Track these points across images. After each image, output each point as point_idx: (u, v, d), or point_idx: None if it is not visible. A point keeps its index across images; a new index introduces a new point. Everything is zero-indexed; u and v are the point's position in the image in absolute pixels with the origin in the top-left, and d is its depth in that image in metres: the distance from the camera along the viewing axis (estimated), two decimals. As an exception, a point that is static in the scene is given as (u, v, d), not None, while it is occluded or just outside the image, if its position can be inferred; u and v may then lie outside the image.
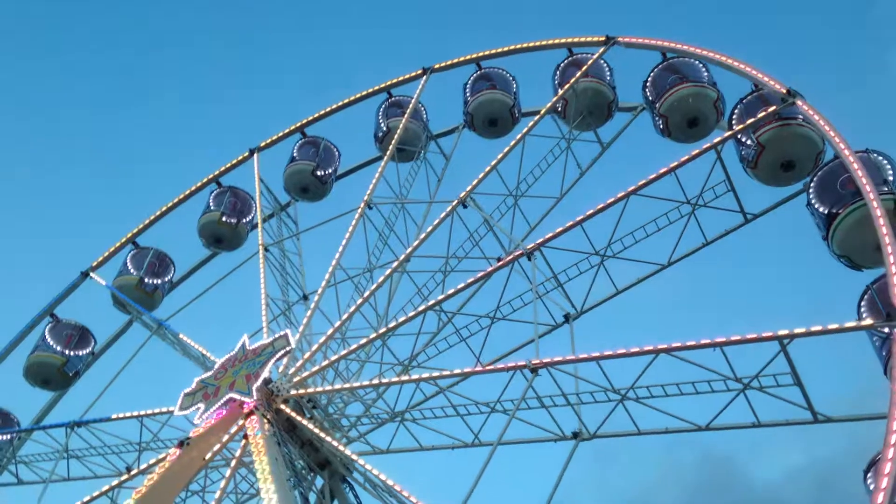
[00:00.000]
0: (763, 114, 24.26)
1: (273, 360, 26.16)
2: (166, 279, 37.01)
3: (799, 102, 23.31)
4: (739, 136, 24.99)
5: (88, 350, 36.34)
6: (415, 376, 25.97)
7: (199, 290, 36.65)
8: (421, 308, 26.18)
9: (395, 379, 26.54)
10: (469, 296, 26.68)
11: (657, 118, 27.71)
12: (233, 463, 24.67)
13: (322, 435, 25.64)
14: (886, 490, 15.02)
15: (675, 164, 24.78)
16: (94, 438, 30.93)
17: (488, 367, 24.64)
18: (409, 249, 28.49)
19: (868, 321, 18.57)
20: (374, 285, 28.01)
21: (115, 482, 27.10)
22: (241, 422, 24.89)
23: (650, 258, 26.19)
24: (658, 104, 27.37)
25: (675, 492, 60.22)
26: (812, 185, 22.91)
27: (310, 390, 26.94)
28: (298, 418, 25.97)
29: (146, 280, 35.94)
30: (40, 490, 31.23)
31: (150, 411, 28.89)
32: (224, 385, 26.14)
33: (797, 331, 19.03)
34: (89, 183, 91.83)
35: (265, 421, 24.84)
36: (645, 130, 29.18)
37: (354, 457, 24.92)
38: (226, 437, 24.77)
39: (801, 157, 23.91)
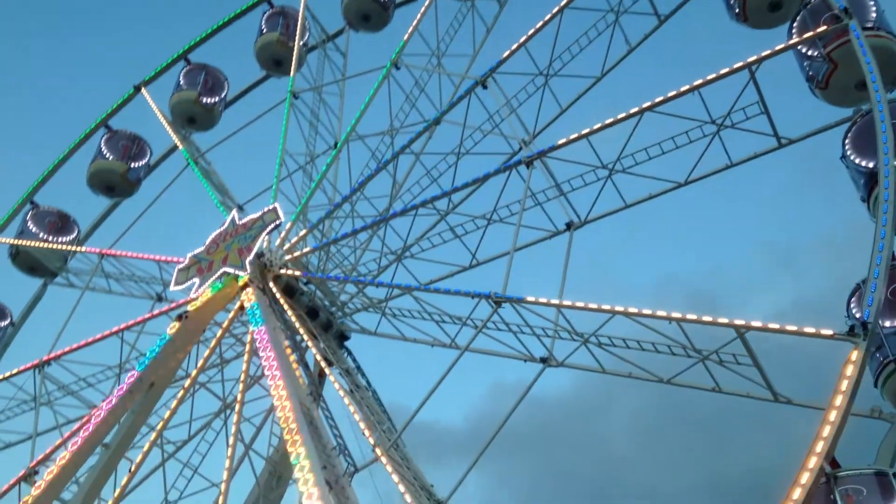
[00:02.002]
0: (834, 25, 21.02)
1: (264, 234, 26.46)
2: (222, 96, 37.19)
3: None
4: (804, 49, 21.91)
5: (145, 161, 36.77)
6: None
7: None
8: (414, 204, 25.75)
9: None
10: (465, 196, 25.78)
11: None
12: (218, 332, 26.19)
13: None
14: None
15: (700, 82, 22.49)
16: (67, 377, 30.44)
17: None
18: (414, 137, 27.42)
19: None
20: (372, 173, 27.49)
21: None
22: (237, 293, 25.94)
23: (666, 175, 24.24)
24: None
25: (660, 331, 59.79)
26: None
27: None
28: (297, 273, 26.86)
29: (203, 99, 35.50)
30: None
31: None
32: (217, 260, 26.68)
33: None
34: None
35: (261, 292, 25.95)
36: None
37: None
38: (223, 310, 26.29)
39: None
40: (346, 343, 28.54)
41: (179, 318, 25.33)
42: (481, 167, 27.85)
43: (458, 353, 23.13)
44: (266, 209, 27.44)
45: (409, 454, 25.46)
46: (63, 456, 22.09)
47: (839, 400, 15.60)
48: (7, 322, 35.56)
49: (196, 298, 25.91)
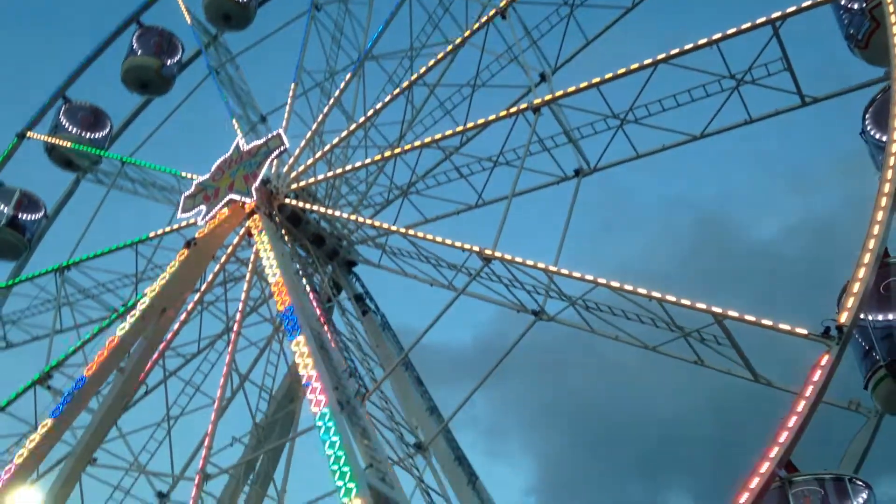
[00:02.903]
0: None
1: (269, 160, 26.31)
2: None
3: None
4: (845, 3, 20.51)
5: (178, 58, 36.36)
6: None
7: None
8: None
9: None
10: (471, 137, 25.24)
11: None
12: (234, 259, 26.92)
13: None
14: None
15: (718, 36, 20.99)
16: (87, 281, 31.01)
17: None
18: (425, 70, 26.55)
19: None
20: (385, 101, 26.90)
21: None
22: (244, 220, 26.16)
23: (681, 127, 23.36)
24: None
25: (669, 254, 59.41)
26: None
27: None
28: (303, 204, 26.96)
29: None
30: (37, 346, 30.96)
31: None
32: (223, 186, 26.65)
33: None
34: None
35: (268, 219, 26.16)
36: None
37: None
38: (231, 240, 26.86)
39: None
40: (354, 269, 29.00)
41: (188, 245, 25.83)
42: (498, 100, 27.17)
43: (454, 295, 23.41)
44: (270, 135, 27.13)
45: (413, 379, 26.50)
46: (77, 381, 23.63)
47: (801, 406, 15.29)
48: (41, 214, 36.32)
49: (203, 226, 26.25)
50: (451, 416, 23.40)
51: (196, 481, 21.83)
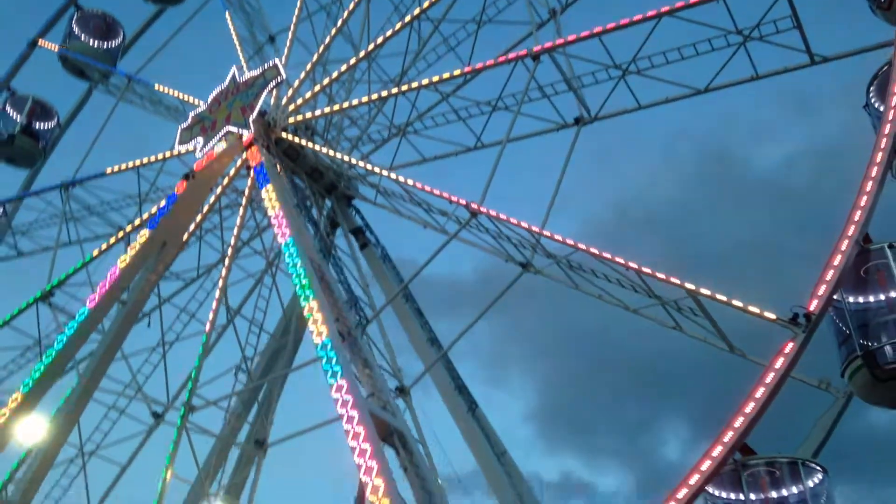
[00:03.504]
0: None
1: (266, 91, 25.84)
2: None
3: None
4: None
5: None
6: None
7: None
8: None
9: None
10: (467, 80, 24.63)
11: None
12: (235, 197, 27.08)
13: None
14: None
15: (727, -10, 19.94)
16: (92, 198, 31.33)
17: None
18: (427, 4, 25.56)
19: None
20: (388, 35, 26.11)
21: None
22: (242, 152, 25.83)
23: (685, 80, 22.68)
24: None
25: (672, 185, 58.07)
26: None
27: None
28: (300, 141, 26.68)
29: None
30: (44, 259, 31.08)
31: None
32: (220, 118, 26.34)
33: None
34: None
35: (265, 151, 26.10)
36: None
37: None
38: (228, 170, 26.80)
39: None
40: (354, 203, 29.08)
41: (186, 177, 25.75)
42: (505, 37, 26.37)
43: (446, 239, 23.51)
44: (267, 65, 26.60)
45: (413, 310, 27.05)
46: (80, 313, 24.51)
47: (759, 392, 15.54)
48: (54, 122, 36.53)
49: (201, 158, 26.00)
50: (448, 347, 24.05)
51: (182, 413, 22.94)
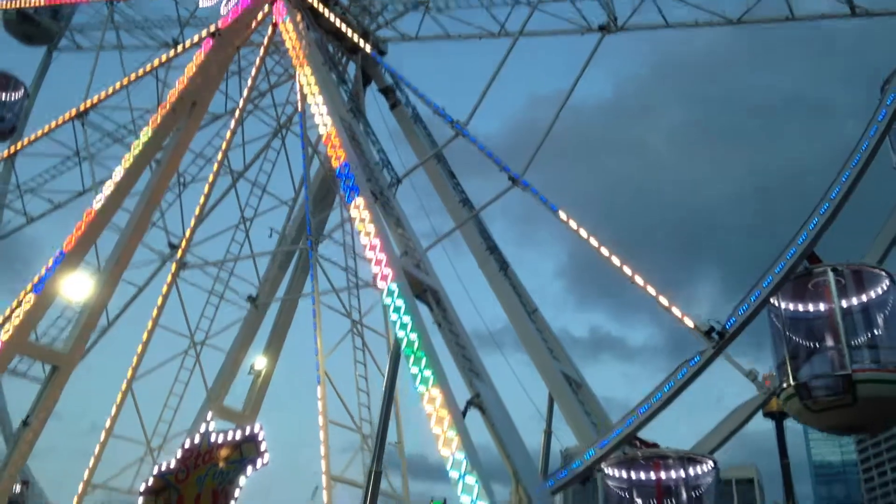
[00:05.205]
0: None
1: None
2: None
3: None
4: None
5: None
6: None
7: None
8: None
9: None
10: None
11: None
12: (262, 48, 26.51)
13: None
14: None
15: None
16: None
17: None
18: None
19: None
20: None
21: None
22: (266, 8, 25.68)
23: (717, 8, 21.55)
24: None
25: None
26: None
27: None
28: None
29: None
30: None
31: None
32: None
33: None
34: None
35: (290, 6, 25.29)
36: None
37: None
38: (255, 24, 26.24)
39: None
40: (383, 61, 28.38)
41: (212, 35, 25.53)
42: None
43: (512, 39, 23.12)
44: None
45: (446, 172, 26.97)
46: (117, 171, 24.87)
47: (656, 396, 16.76)
48: (21, 93, 34.27)
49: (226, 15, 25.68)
50: (482, 207, 24.16)
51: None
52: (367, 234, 18.72)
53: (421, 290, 18.75)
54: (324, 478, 20.60)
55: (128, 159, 24.74)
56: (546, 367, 21.04)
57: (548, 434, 22.34)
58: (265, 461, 11.84)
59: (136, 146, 24.88)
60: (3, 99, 33.04)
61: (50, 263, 23.52)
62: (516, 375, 21.60)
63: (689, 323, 17.18)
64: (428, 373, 15.52)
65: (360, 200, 19.54)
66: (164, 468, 12.40)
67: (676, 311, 17.54)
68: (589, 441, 18.22)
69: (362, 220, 19.19)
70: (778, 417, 27.36)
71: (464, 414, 15.30)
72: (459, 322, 18.79)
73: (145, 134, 25.01)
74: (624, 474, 17.00)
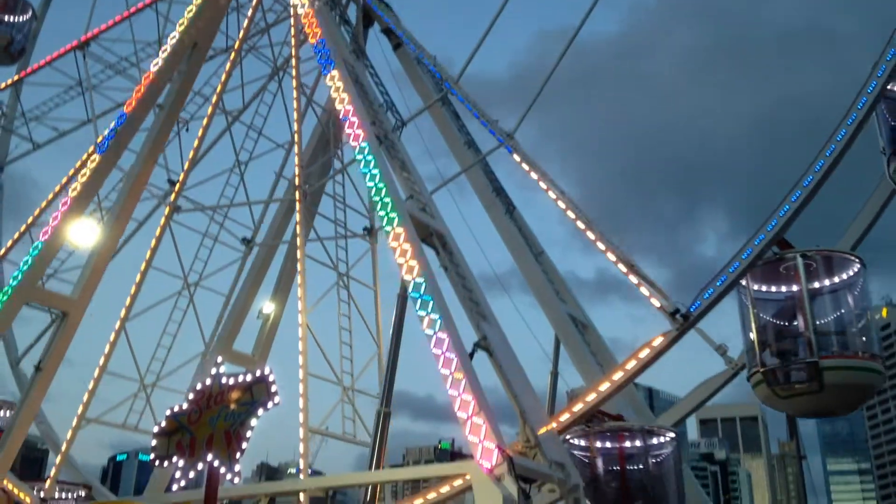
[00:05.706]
0: None
1: None
2: None
3: None
4: None
5: None
6: None
7: None
8: None
9: None
10: None
11: None
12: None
13: None
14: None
15: None
16: None
17: None
18: None
19: None
20: None
21: None
22: None
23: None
24: None
25: None
26: None
27: None
28: None
29: None
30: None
31: None
32: None
33: None
34: None
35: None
36: None
37: None
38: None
39: None
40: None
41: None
42: None
43: None
44: None
45: (450, 113, 26.69)
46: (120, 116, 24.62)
47: (618, 375, 16.93)
48: (29, 15, 33.86)
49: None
50: (488, 152, 24.14)
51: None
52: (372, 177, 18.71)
53: (427, 233, 18.75)
54: (301, 430, 20.91)
55: (130, 103, 24.61)
56: (552, 309, 21.14)
57: (554, 375, 22.60)
58: (276, 401, 12.14)
59: (139, 90, 24.69)
60: (13, 20, 32.66)
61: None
62: (523, 317, 21.69)
63: (656, 304, 17.30)
64: (435, 315, 15.62)
65: (364, 145, 19.49)
66: (176, 409, 12.68)
67: (645, 291, 17.59)
68: (594, 381, 18.50)
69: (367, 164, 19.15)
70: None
71: (471, 356, 15.48)
72: (466, 265, 18.88)
73: (146, 78, 24.82)
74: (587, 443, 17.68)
